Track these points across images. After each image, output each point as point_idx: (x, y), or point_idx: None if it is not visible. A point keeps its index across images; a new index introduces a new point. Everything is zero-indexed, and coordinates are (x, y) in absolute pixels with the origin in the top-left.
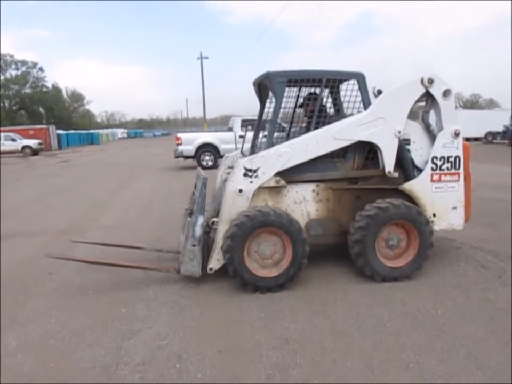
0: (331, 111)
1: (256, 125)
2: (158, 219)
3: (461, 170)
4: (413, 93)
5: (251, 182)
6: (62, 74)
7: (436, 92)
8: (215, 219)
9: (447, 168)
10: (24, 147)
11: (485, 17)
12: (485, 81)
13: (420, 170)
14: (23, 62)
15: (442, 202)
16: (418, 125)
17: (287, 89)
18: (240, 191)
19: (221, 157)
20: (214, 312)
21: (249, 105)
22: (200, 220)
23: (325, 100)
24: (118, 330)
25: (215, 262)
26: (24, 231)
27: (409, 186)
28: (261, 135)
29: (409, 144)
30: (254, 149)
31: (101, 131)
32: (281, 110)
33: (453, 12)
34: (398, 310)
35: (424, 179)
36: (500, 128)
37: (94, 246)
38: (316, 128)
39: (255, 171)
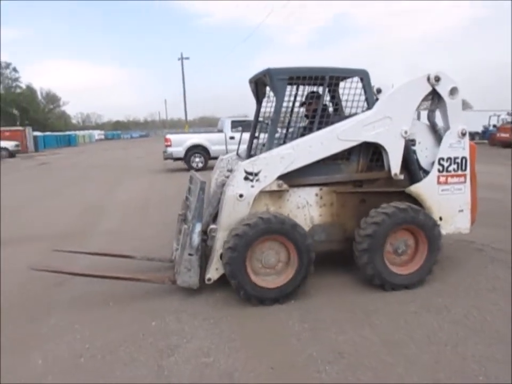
0: (330, 110)
1: (252, 125)
2: (161, 223)
3: (468, 172)
4: (419, 91)
5: (252, 186)
6: (36, 75)
7: (443, 90)
8: (213, 226)
9: (454, 170)
10: (0, 149)
11: (457, 18)
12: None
13: (426, 172)
14: None
15: (449, 205)
16: (424, 124)
17: (289, 87)
18: (241, 196)
19: (211, 158)
20: (253, 323)
21: (231, 107)
22: (198, 227)
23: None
24: (153, 346)
25: (214, 271)
26: (19, 237)
27: (416, 189)
28: (262, 135)
29: (414, 144)
30: (250, 151)
31: (78, 133)
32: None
33: (422, 14)
34: (445, 317)
35: (430, 181)
36: (478, 129)
37: (84, 255)
38: (319, 128)
39: (256, 174)
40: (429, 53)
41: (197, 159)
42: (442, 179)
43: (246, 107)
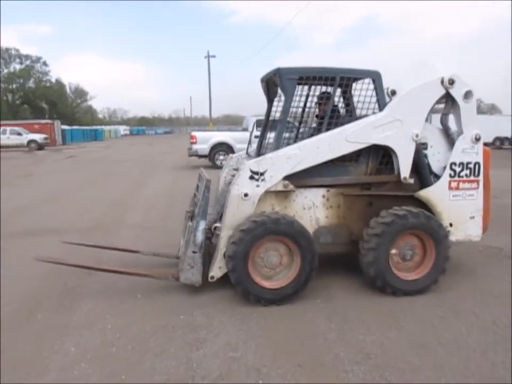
0: (342, 111)
1: (263, 124)
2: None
3: (481, 178)
4: (432, 93)
5: (257, 186)
6: (66, 69)
7: (457, 93)
8: (217, 224)
9: (466, 175)
10: (30, 141)
11: (485, 20)
12: (484, 86)
13: (437, 177)
14: (27, 56)
15: (460, 211)
16: (436, 128)
17: (300, 87)
18: (246, 195)
19: None
20: (280, 321)
21: (254, 106)
22: (202, 225)
23: (336, 99)
24: (182, 339)
25: (217, 270)
26: (49, 229)
27: (426, 193)
28: (268, 135)
29: (426, 148)
30: (260, 150)
31: (104, 127)
32: (292, 109)
33: (452, 14)
34: (474, 323)
35: (441, 186)
36: (508, 134)
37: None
38: (328, 129)
39: (262, 174)
40: (465, 53)
41: (221, 157)
42: (453, 184)
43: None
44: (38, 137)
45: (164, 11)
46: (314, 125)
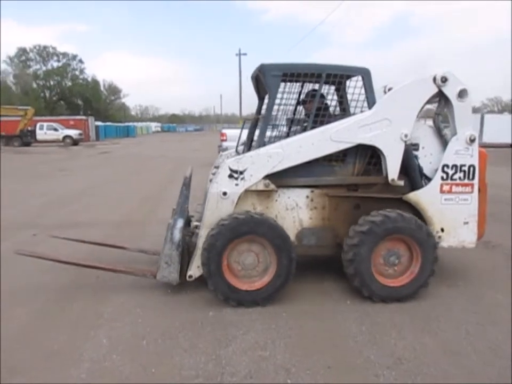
0: (336, 110)
1: (252, 122)
2: None
3: (475, 181)
4: (423, 92)
5: (236, 185)
6: (100, 67)
7: (450, 92)
8: (197, 223)
9: (460, 178)
10: (65, 137)
11: None
12: None
13: (429, 179)
14: (64, 54)
15: (452, 216)
16: (429, 128)
17: (289, 84)
18: (224, 193)
19: None
20: (310, 321)
21: None
22: (180, 223)
23: (329, 97)
24: (211, 335)
25: (195, 269)
26: (83, 222)
27: (415, 196)
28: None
29: (417, 149)
30: (250, 149)
31: (136, 124)
32: (282, 107)
33: (483, 13)
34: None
35: (432, 189)
36: None
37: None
38: (313, 127)
39: (241, 172)
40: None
41: None
42: (445, 188)
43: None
44: (73, 132)
45: (196, 10)
46: (305, 123)
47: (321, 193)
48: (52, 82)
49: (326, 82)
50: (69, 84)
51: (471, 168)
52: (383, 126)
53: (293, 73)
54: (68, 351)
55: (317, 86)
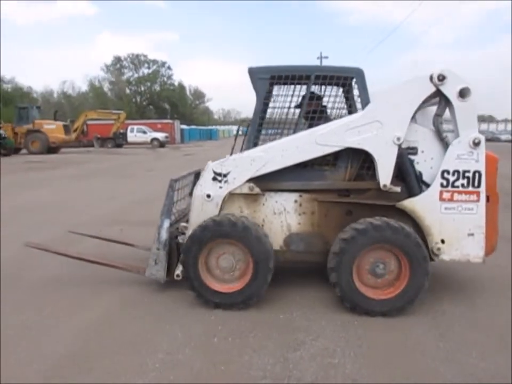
0: (343, 112)
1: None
2: None
3: (482, 189)
4: (418, 92)
5: (220, 187)
6: (185, 72)
7: (449, 91)
8: (184, 224)
9: (462, 185)
10: (153, 139)
11: None
12: None
13: (429, 186)
14: (154, 61)
15: (454, 226)
16: (430, 130)
17: (285, 87)
18: (208, 196)
19: None
20: (383, 333)
21: None
22: (166, 223)
23: (326, 99)
24: (280, 338)
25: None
26: None
27: (411, 204)
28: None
29: (416, 153)
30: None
31: (218, 127)
32: (277, 110)
33: None
34: None
35: (430, 196)
36: None
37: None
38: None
39: (225, 175)
40: None
41: None
42: (446, 195)
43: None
44: (160, 135)
45: (276, 12)
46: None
47: (310, 198)
48: (142, 88)
49: (323, 84)
50: (158, 89)
51: (477, 175)
52: (374, 128)
53: (281, 76)
54: (144, 342)
55: (323, 88)
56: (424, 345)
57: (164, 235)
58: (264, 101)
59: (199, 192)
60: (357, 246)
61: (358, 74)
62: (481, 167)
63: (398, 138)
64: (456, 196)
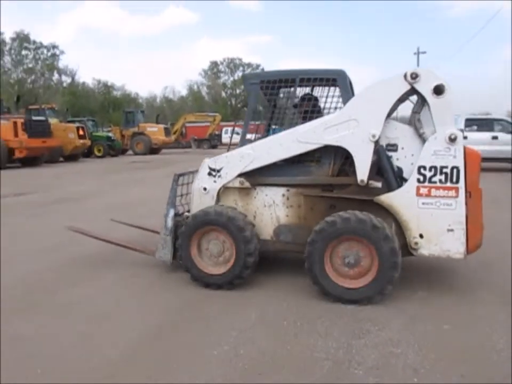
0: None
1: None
2: None
3: (461, 185)
4: (393, 90)
5: (215, 182)
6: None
7: (424, 88)
8: (187, 213)
9: (440, 181)
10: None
11: None
12: None
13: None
14: (249, 65)
15: (432, 221)
16: (409, 128)
17: (282, 90)
18: (205, 189)
19: None
20: (452, 328)
21: (463, 103)
22: (171, 212)
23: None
24: (346, 326)
25: None
26: None
27: (388, 198)
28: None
29: (396, 150)
30: None
31: None
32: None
33: None
34: None
35: (406, 192)
36: None
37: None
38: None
39: (218, 171)
40: None
41: None
42: (423, 191)
43: (488, 105)
44: (252, 136)
45: (372, 9)
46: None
47: (296, 192)
48: (237, 91)
49: (307, 85)
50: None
51: (455, 170)
52: (351, 126)
53: (269, 80)
54: (222, 318)
55: (320, 89)
56: (495, 342)
57: (170, 223)
58: (255, 102)
59: (197, 185)
60: (325, 236)
61: (340, 75)
62: (460, 163)
63: (374, 136)
64: (433, 192)
